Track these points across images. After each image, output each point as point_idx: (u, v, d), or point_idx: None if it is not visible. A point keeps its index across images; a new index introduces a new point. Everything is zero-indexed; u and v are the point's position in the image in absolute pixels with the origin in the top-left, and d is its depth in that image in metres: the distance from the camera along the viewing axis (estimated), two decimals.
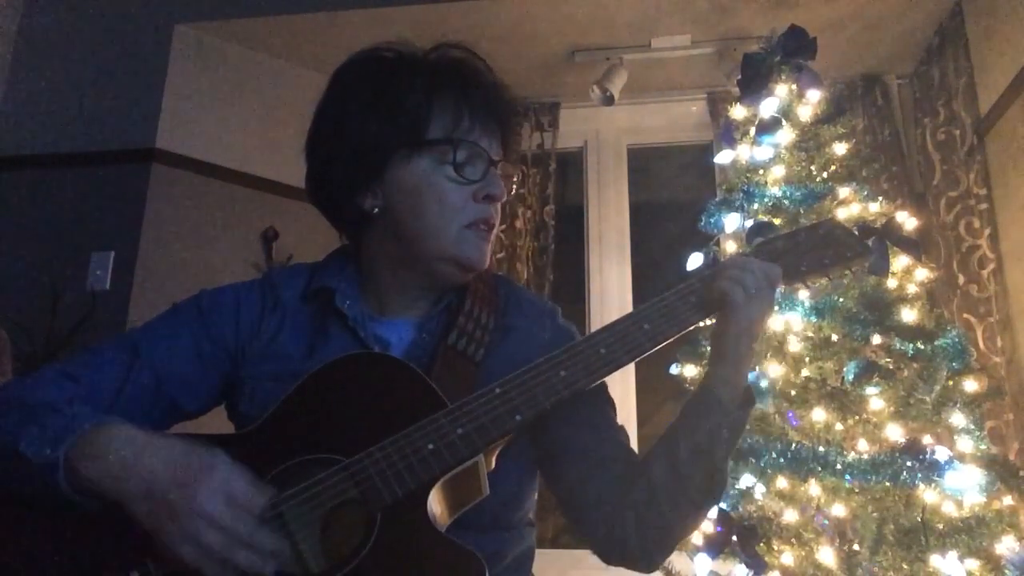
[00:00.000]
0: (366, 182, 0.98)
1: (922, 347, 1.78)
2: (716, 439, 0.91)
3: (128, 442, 0.79)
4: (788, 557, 1.72)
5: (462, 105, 0.97)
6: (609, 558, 0.98)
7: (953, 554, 1.60)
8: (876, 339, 1.81)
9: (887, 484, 1.64)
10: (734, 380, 0.92)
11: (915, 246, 1.83)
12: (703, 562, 1.84)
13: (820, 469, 1.67)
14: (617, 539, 0.95)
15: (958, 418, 1.75)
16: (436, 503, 0.84)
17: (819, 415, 1.77)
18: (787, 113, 2.12)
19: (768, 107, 2.12)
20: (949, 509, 1.66)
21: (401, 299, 1.03)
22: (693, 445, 0.91)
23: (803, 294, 1.85)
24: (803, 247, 1.02)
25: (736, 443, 0.95)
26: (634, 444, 1.05)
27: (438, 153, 0.96)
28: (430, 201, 0.96)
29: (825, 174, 2.06)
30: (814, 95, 2.12)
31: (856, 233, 1.06)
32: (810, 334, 1.87)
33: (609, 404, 1.05)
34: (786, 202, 2.00)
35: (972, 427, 1.75)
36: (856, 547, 1.70)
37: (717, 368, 0.93)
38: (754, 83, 2.17)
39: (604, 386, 1.03)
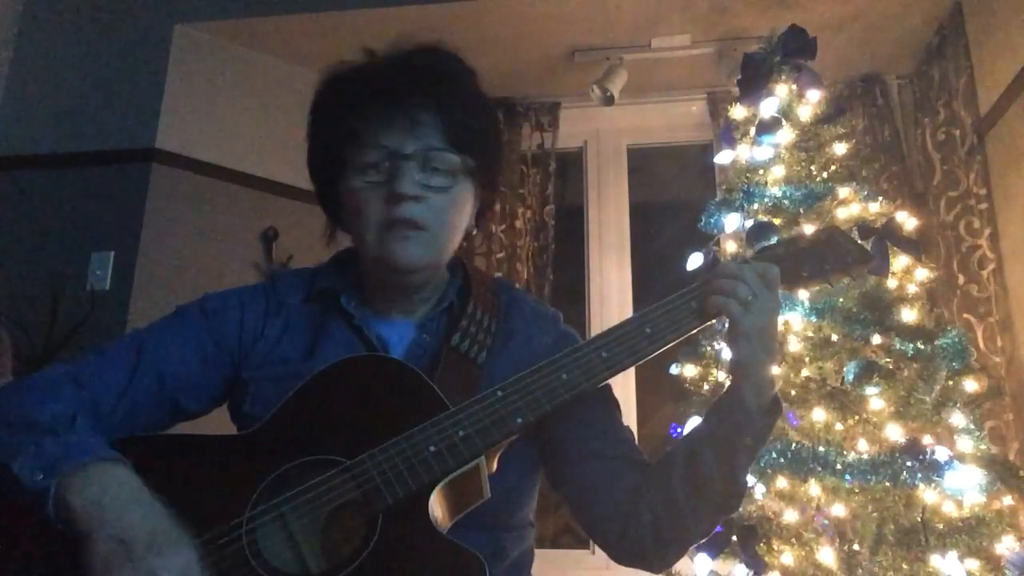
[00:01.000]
0: (334, 202, 1.03)
1: (922, 347, 1.78)
2: (738, 444, 0.89)
3: (125, 485, 0.80)
4: (788, 557, 1.72)
5: (369, 108, 0.96)
6: (622, 559, 0.97)
7: (953, 554, 1.61)
8: (876, 339, 1.81)
9: (887, 484, 1.64)
10: (758, 383, 0.90)
11: (915, 246, 1.84)
12: (703, 562, 1.84)
13: (820, 469, 1.67)
14: (632, 540, 0.94)
15: (958, 418, 1.75)
16: (437, 505, 0.84)
17: (819, 415, 1.77)
18: (787, 113, 2.12)
19: (768, 107, 2.12)
20: (949, 509, 1.66)
21: (396, 301, 1.03)
22: (715, 447, 0.90)
23: (803, 294, 1.85)
24: (804, 253, 1.02)
25: (759, 451, 0.93)
26: None
27: (357, 162, 0.96)
28: (354, 209, 0.98)
29: (825, 174, 2.06)
30: (814, 95, 2.13)
31: (857, 239, 1.06)
32: (810, 334, 1.87)
33: (615, 405, 1.05)
34: (786, 202, 2.00)
35: (972, 427, 1.75)
36: (856, 547, 1.70)
37: (739, 373, 0.92)
38: (754, 83, 2.17)
39: (608, 387, 1.03)
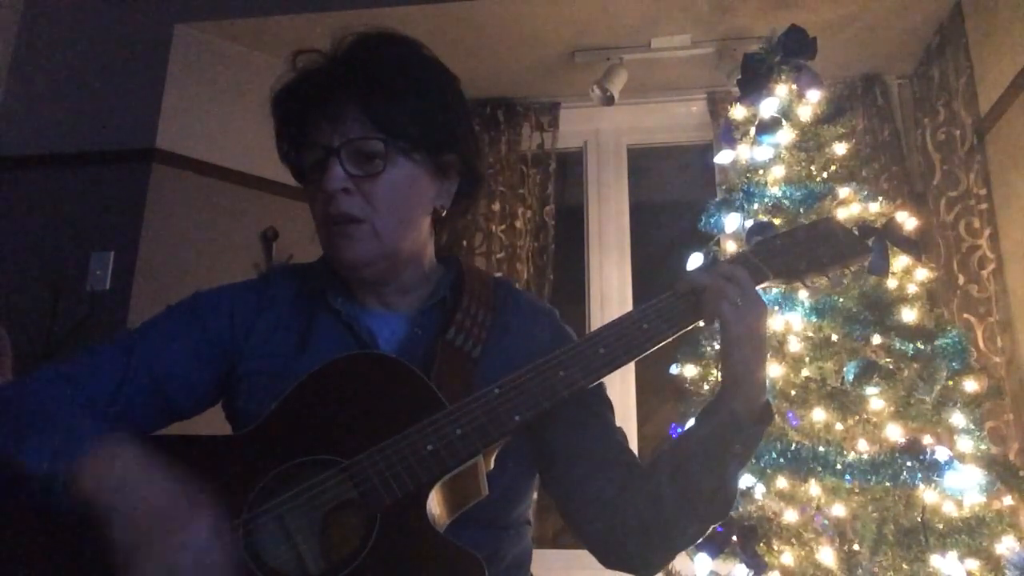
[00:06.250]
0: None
1: (922, 347, 1.78)
2: (728, 452, 0.88)
3: (133, 459, 0.79)
4: (788, 557, 1.72)
5: (304, 112, 0.97)
6: (607, 561, 0.97)
7: (953, 554, 1.61)
8: (876, 339, 1.81)
9: (887, 484, 1.64)
10: (748, 390, 0.89)
11: (915, 246, 1.83)
12: (703, 562, 1.84)
13: (820, 469, 1.67)
14: (616, 542, 0.94)
15: (958, 418, 1.75)
16: (435, 504, 0.84)
17: (819, 415, 1.77)
18: (787, 113, 2.12)
19: (768, 107, 2.12)
20: (949, 509, 1.66)
21: (374, 295, 1.02)
22: (704, 456, 0.89)
23: (803, 294, 1.85)
24: (802, 246, 1.02)
25: (749, 459, 0.92)
26: (634, 444, 1.05)
27: (304, 166, 0.99)
28: (311, 211, 0.99)
29: (825, 174, 2.06)
30: (814, 95, 2.13)
31: (855, 231, 1.06)
32: (810, 334, 1.87)
33: (607, 405, 1.04)
34: (786, 202, 2.00)
35: (972, 427, 1.75)
36: (856, 547, 1.70)
37: (728, 378, 0.91)
38: (754, 83, 2.17)
39: (603, 387, 1.03)
